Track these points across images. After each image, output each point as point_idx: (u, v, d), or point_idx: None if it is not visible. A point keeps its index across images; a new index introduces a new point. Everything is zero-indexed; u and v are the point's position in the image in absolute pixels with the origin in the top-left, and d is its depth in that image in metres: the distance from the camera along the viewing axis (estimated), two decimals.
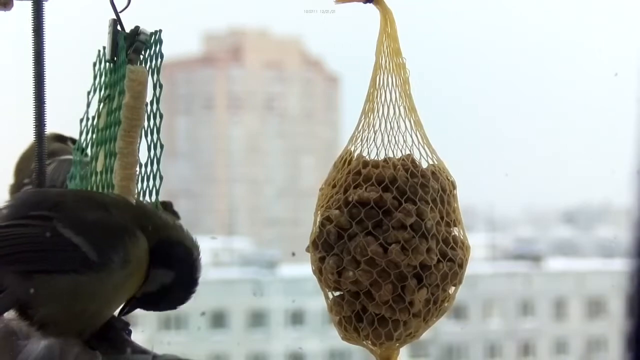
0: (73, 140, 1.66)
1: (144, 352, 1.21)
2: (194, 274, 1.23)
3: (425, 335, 1.31)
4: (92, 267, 1.14)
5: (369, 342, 1.27)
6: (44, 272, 1.13)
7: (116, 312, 1.23)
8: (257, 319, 22.57)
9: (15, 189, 1.75)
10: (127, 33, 1.36)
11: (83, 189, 1.41)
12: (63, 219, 1.15)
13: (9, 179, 1.82)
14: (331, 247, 1.25)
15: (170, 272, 1.21)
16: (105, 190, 1.34)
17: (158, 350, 1.20)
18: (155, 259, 1.20)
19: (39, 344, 1.20)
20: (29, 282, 1.12)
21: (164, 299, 1.23)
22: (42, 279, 1.12)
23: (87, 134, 1.43)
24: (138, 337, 1.27)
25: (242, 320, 22.40)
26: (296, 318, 22.50)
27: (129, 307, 1.24)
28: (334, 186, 1.29)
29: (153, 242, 1.20)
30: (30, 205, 1.18)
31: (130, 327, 1.27)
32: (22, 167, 1.72)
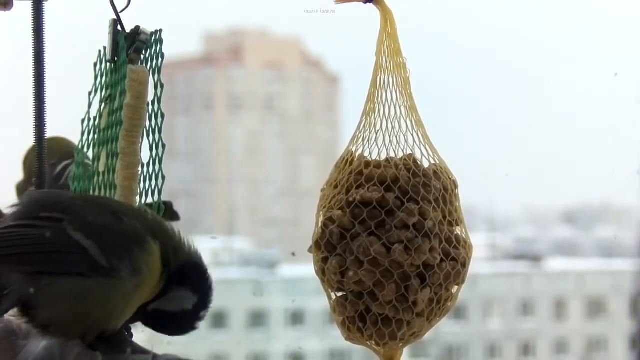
0: None
1: (144, 352, 1.20)
2: (209, 301, 1.22)
3: (425, 335, 1.31)
4: (100, 272, 1.13)
5: (373, 342, 1.27)
6: (50, 273, 1.12)
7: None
8: (257, 319, 22.56)
9: (24, 185, 1.75)
10: (127, 33, 1.36)
11: (97, 195, 1.40)
12: (74, 221, 1.14)
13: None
14: (334, 247, 1.25)
15: (194, 297, 1.20)
16: (108, 190, 1.34)
17: (158, 350, 1.20)
18: (182, 279, 1.19)
19: (39, 344, 1.20)
20: (34, 283, 1.11)
21: (178, 322, 1.22)
22: (48, 281, 1.12)
23: (88, 134, 1.43)
24: (138, 337, 1.27)
25: (242, 320, 22.40)
26: (296, 318, 22.50)
27: (137, 317, 1.22)
28: (335, 187, 1.29)
29: (180, 262, 1.19)
30: (42, 205, 1.17)
31: (131, 327, 1.27)
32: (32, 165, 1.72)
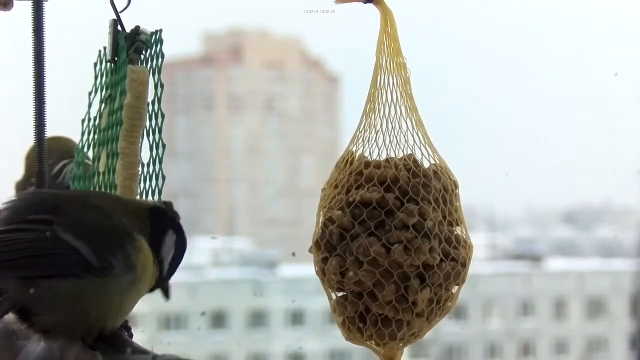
0: None
1: (144, 352, 1.20)
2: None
3: (426, 335, 1.31)
4: (92, 271, 1.13)
5: (373, 342, 1.27)
6: (44, 277, 1.12)
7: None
8: (257, 319, 22.55)
9: (23, 185, 1.75)
10: (127, 33, 1.36)
11: (83, 190, 1.40)
12: (63, 222, 1.14)
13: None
14: (334, 247, 1.25)
15: (172, 235, 1.24)
16: (108, 190, 1.34)
17: (158, 350, 1.20)
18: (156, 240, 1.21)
19: (38, 344, 1.20)
20: (29, 288, 1.11)
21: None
22: (43, 284, 1.12)
23: (88, 134, 1.43)
24: (138, 337, 1.27)
25: (242, 320, 22.38)
26: (296, 318, 22.49)
27: None
28: (335, 187, 1.29)
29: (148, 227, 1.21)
30: (30, 207, 1.17)
31: (130, 327, 1.27)
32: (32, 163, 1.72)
